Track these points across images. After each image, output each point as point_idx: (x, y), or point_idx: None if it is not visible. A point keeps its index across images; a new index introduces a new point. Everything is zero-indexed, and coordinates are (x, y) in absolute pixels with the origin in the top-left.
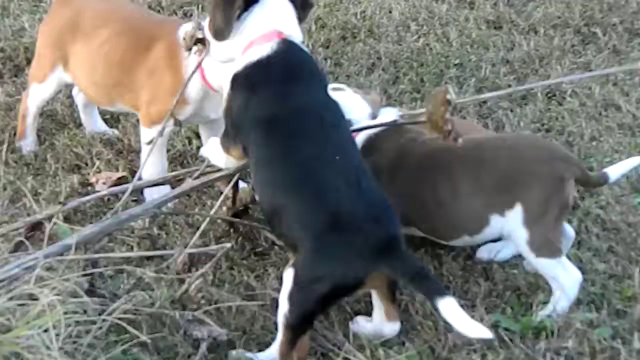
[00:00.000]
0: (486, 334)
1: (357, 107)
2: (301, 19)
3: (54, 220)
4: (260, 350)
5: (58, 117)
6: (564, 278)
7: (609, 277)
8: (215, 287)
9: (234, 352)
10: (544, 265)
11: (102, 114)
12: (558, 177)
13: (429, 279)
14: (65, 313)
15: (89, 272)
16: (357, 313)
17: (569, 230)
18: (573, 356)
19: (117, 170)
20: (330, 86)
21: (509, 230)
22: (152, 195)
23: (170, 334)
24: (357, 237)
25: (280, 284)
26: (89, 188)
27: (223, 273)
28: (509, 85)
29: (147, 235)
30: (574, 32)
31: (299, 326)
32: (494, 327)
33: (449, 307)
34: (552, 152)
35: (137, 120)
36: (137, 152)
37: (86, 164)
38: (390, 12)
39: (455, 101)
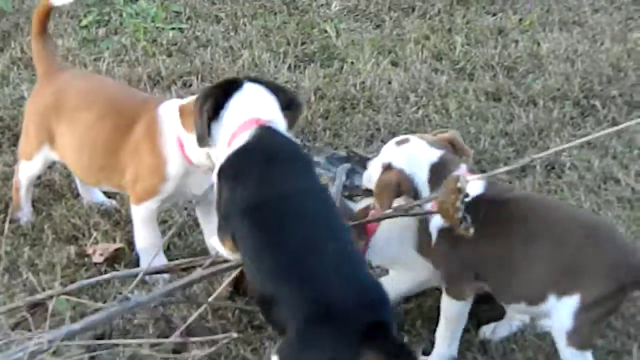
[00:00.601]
0: None
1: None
2: (289, 121)
3: (54, 299)
4: None
5: (55, 187)
6: None
7: (608, 353)
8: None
9: None
10: (570, 356)
11: None
12: (622, 284)
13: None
14: None
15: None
16: None
17: None
18: None
19: (115, 241)
20: (395, 139)
21: (555, 313)
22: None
23: None
24: (343, 324)
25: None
26: (86, 259)
27: (220, 346)
28: (508, 158)
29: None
30: (573, 104)
31: None
32: None
33: None
34: (627, 256)
35: None
36: None
37: (83, 235)
38: (389, 83)
39: (466, 189)
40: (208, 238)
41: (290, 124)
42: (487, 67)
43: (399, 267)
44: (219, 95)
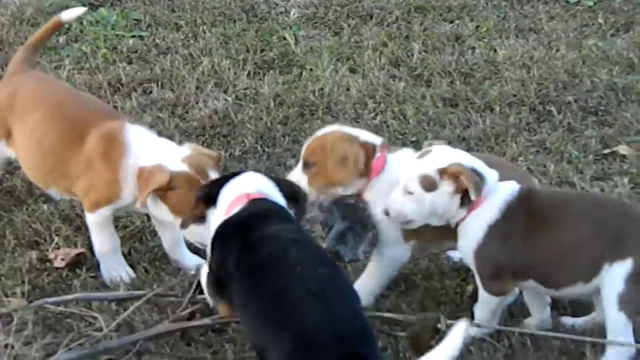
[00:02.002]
0: None
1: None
2: (296, 211)
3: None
4: None
5: (16, 193)
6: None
7: (563, 353)
8: None
9: None
10: (618, 322)
11: None
12: None
13: None
14: None
15: None
16: None
17: None
18: None
19: (76, 246)
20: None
21: (608, 280)
22: (110, 271)
23: None
24: (321, 356)
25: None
26: (47, 264)
27: (180, 349)
28: None
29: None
30: (529, 110)
31: None
32: None
33: None
34: None
35: None
36: None
37: (45, 240)
38: (347, 89)
39: (444, 331)
40: (166, 245)
41: (298, 215)
42: (444, 74)
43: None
44: (213, 187)
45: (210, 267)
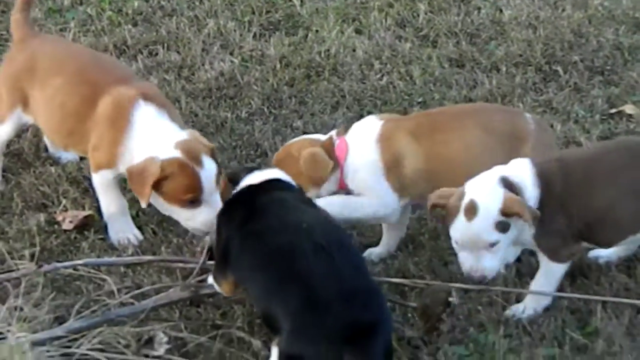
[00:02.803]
0: None
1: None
2: None
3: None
4: None
5: (24, 156)
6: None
7: (571, 313)
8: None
9: None
10: None
11: None
12: None
13: None
14: None
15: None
16: None
17: None
18: None
19: (84, 208)
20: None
21: None
22: (118, 233)
23: None
24: (329, 319)
25: (245, 321)
26: (56, 226)
27: (189, 310)
28: None
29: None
30: (536, 70)
31: None
32: None
33: None
34: None
35: None
36: None
37: (53, 203)
38: (354, 50)
39: (456, 305)
40: None
41: None
42: (450, 34)
43: (369, 193)
44: (242, 171)
45: (217, 250)
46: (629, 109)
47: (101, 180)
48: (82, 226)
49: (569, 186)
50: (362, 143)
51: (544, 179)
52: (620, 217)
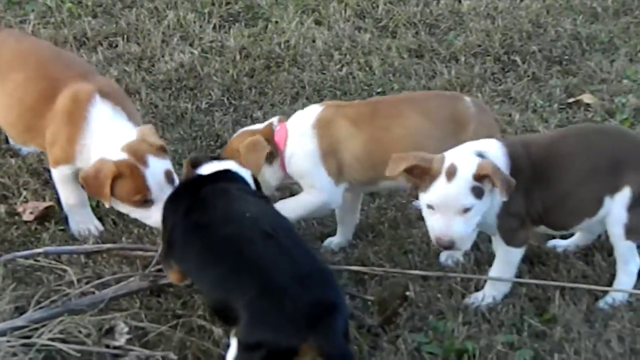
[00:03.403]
0: None
1: None
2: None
3: None
4: None
5: None
6: (633, 264)
7: (530, 300)
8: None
9: None
10: (626, 248)
11: None
12: None
13: None
14: None
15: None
16: None
17: None
18: None
19: (44, 199)
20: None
21: (612, 211)
22: (78, 224)
23: None
24: (286, 302)
25: (206, 310)
26: (16, 217)
27: (150, 300)
28: None
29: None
30: (494, 60)
31: None
32: (417, 350)
33: None
34: None
35: None
36: None
37: (13, 194)
38: (313, 41)
39: (413, 298)
40: None
41: None
42: (409, 25)
43: (308, 180)
44: (197, 160)
45: (163, 237)
46: (586, 98)
47: (59, 175)
48: (43, 217)
49: (533, 170)
50: (300, 129)
51: (512, 160)
52: (577, 201)
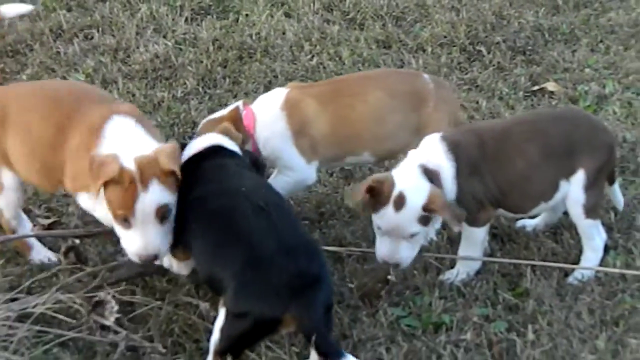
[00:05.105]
0: None
1: None
2: (261, 175)
3: None
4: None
5: None
6: (598, 239)
7: (502, 276)
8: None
9: None
10: (588, 226)
11: None
12: (610, 145)
13: (328, 343)
14: None
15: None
16: None
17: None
18: (471, 348)
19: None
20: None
21: (569, 193)
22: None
23: (89, 334)
24: (272, 273)
25: (192, 287)
26: None
27: (135, 279)
28: None
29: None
30: (460, 50)
31: (225, 354)
32: (396, 322)
33: None
34: (601, 123)
35: None
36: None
37: None
38: (284, 33)
39: (394, 282)
40: None
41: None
42: (376, 17)
43: (282, 161)
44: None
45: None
46: (550, 86)
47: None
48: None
49: (484, 156)
50: (269, 111)
51: (455, 152)
52: (533, 185)
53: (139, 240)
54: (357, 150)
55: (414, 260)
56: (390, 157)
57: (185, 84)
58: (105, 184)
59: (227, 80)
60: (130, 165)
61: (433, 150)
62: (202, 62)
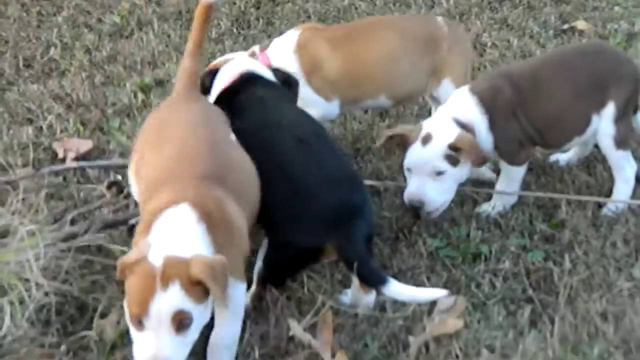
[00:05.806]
0: (440, 293)
1: None
2: (294, 93)
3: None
4: None
5: (6, 75)
6: (629, 170)
7: (538, 208)
8: None
9: None
10: (620, 157)
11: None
12: (635, 76)
13: (370, 270)
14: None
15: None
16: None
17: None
18: (509, 277)
19: (68, 122)
20: None
21: (600, 126)
22: None
23: None
24: (313, 204)
25: None
26: (42, 139)
27: None
28: None
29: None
30: None
31: (269, 282)
32: (435, 253)
33: (395, 291)
34: (624, 54)
35: (87, 76)
36: (86, 105)
37: (38, 117)
38: None
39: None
40: None
41: (294, 98)
42: None
43: (301, 100)
44: (206, 78)
45: None
46: (580, 24)
47: None
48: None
49: (519, 98)
50: (281, 54)
51: (487, 103)
52: (566, 122)
53: (149, 345)
54: (372, 93)
55: (442, 208)
56: (408, 101)
57: (219, 24)
58: (128, 272)
59: (261, 21)
60: (157, 260)
61: (464, 105)
62: (235, 3)
